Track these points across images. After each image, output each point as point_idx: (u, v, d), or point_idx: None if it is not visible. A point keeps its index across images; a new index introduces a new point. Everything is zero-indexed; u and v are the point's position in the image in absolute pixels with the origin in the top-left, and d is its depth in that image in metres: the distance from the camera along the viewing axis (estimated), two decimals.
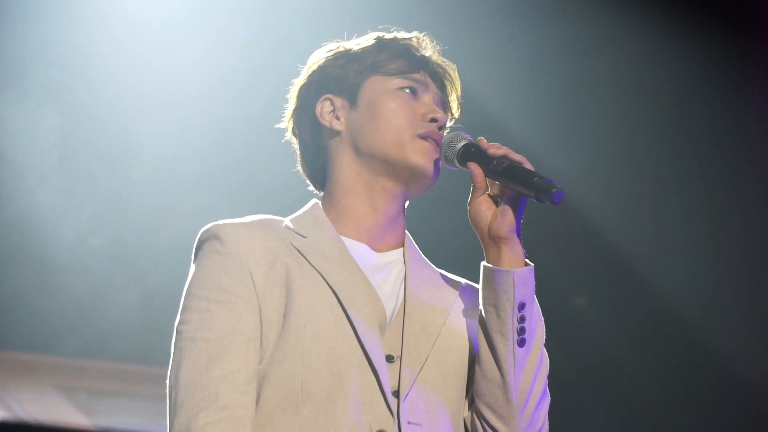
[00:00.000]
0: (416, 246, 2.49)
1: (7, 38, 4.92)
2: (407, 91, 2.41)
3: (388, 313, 2.34)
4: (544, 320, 2.34)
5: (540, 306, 2.32)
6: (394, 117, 2.38)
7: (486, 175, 2.32)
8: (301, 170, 2.55)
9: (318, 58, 2.49)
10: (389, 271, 2.41)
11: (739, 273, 5.13)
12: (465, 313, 2.41)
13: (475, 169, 2.32)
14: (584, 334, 5.25)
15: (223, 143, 5.22)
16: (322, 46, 2.51)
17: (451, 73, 2.50)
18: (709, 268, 5.16)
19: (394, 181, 2.41)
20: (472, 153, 2.33)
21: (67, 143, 5.10)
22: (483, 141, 2.34)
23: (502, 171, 2.27)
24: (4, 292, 5.14)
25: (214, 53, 5.11)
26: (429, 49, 2.48)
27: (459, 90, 2.51)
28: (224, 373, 2.21)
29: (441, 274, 2.49)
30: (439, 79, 2.49)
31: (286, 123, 2.53)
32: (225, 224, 2.35)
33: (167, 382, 2.27)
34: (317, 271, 2.31)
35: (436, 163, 2.40)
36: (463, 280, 2.50)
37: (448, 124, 2.49)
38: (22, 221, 5.09)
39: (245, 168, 5.16)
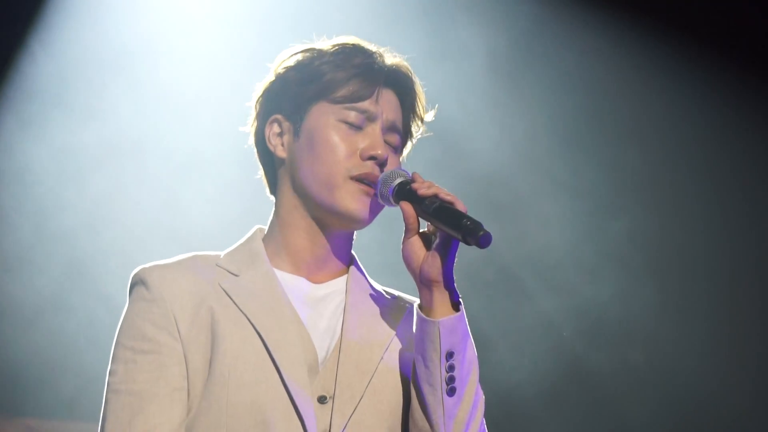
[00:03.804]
0: (362, 269, 2.39)
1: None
2: (350, 124, 2.30)
3: (323, 351, 2.25)
4: None
5: None
6: (330, 155, 2.28)
7: (418, 215, 2.21)
8: (263, 179, 2.45)
9: (282, 65, 2.38)
10: (327, 304, 2.32)
11: None
12: (406, 344, 2.31)
13: (407, 209, 2.21)
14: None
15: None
16: (290, 47, 2.40)
17: (412, 85, 2.38)
18: None
19: (329, 220, 2.32)
20: (405, 192, 2.23)
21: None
22: (417, 177, 2.24)
23: (432, 212, 2.18)
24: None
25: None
26: (389, 60, 2.36)
27: (423, 100, 2.40)
28: (147, 429, 2.15)
29: (388, 297, 2.39)
30: (399, 91, 2.37)
31: (248, 129, 2.43)
32: (152, 268, 2.28)
33: None
34: (244, 314, 2.23)
35: (370, 205, 2.29)
36: (410, 301, 2.39)
37: (418, 131, 2.41)
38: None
39: None
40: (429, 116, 2.42)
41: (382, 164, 2.30)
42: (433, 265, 2.18)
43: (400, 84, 2.37)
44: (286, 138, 2.35)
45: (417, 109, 2.39)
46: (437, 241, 2.19)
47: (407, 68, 2.38)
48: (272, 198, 2.42)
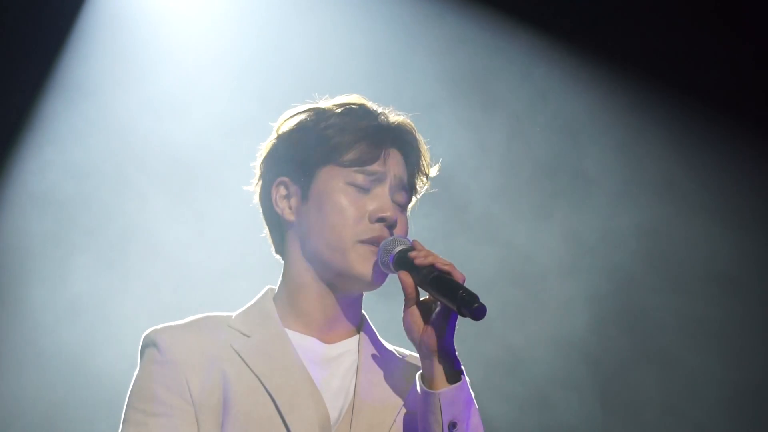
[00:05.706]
0: (373, 329, 2.39)
1: None
2: (359, 186, 2.31)
3: (335, 412, 2.25)
4: None
5: None
6: (339, 219, 2.29)
7: (416, 284, 2.21)
8: (267, 238, 2.45)
9: (286, 125, 2.39)
10: (339, 364, 2.32)
11: None
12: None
13: (405, 279, 2.22)
14: None
15: None
16: (292, 107, 2.41)
17: (417, 143, 2.40)
18: None
19: (341, 283, 2.33)
20: (404, 260, 2.23)
21: None
22: (417, 245, 2.24)
23: (429, 281, 2.17)
24: None
25: None
26: (393, 118, 2.38)
27: (427, 158, 2.41)
28: None
29: (400, 357, 2.39)
30: (404, 150, 2.38)
31: (253, 188, 2.43)
32: (163, 329, 2.29)
33: None
34: (255, 375, 2.24)
35: (378, 267, 2.30)
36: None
37: (423, 188, 2.41)
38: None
39: None
40: (433, 171, 2.43)
41: (391, 225, 2.31)
42: (433, 336, 2.19)
43: (404, 142, 2.38)
44: (293, 201, 2.36)
45: (422, 167, 2.41)
46: (437, 310, 2.19)
47: (411, 126, 2.40)
48: (278, 257, 2.42)
